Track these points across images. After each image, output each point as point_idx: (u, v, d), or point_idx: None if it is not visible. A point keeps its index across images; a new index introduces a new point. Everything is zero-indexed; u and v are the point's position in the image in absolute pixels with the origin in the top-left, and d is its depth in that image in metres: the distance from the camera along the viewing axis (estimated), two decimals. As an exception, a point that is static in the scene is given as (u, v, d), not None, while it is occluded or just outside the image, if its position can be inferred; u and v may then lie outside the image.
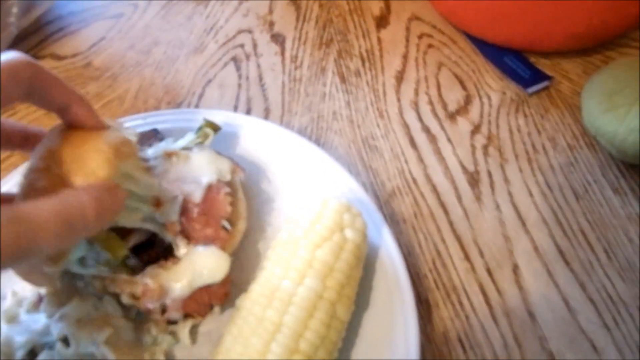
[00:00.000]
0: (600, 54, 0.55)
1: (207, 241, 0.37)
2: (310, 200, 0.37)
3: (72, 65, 0.57)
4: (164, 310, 0.36)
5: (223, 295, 0.37)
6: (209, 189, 0.37)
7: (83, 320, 0.35)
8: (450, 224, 0.44)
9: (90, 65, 0.57)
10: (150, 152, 0.39)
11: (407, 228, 0.44)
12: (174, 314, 0.36)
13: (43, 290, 0.38)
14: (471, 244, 0.43)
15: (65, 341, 0.35)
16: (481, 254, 0.42)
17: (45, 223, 0.25)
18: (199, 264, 0.36)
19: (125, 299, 0.36)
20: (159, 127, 0.46)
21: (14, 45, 0.57)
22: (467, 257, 0.42)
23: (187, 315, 0.37)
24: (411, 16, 0.60)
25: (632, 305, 0.39)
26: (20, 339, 0.36)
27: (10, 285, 0.39)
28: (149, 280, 0.36)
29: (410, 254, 0.42)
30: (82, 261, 0.35)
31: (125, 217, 0.35)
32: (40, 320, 0.37)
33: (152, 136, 0.43)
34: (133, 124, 0.46)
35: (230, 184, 0.39)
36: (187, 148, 0.40)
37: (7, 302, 0.39)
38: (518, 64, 0.54)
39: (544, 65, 0.55)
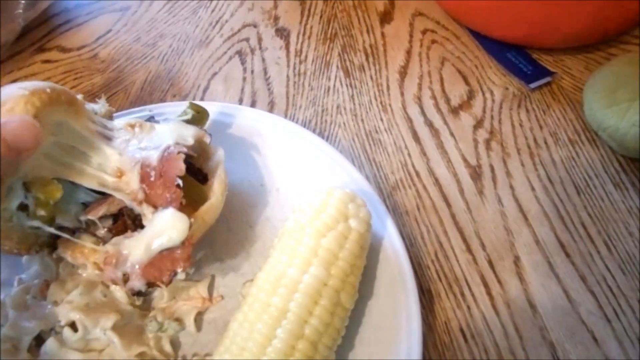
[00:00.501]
0: (602, 50, 0.56)
1: (166, 204, 0.35)
2: (316, 190, 0.38)
3: (78, 57, 0.58)
4: (126, 279, 0.35)
5: (185, 258, 0.35)
6: (165, 151, 0.36)
7: (91, 306, 0.35)
8: (453, 216, 0.44)
9: (96, 58, 0.58)
10: (116, 123, 0.39)
11: (410, 220, 0.44)
12: (136, 283, 0.35)
13: (49, 277, 0.39)
14: (473, 236, 0.43)
15: (73, 327, 0.35)
16: (483, 246, 0.43)
17: None
18: (157, 228, 0.35)
19: (90, 270, 0.36)
20: (165, 119, 0.47)
21: (21, 37, 0.57)
22: (469, 249, 0.43)
23: (149, 284, 0.35)
24: (415, 12, 0.61)
25: (633, 298, 0.40)
26: (27, 325, 0.37)
27: (16, 273, 0.40)
28: (109, 247, 0.35)
29: (412, 245, 0.43)
30: (25, 210, 0.34)
31: (84, 180, 0.35)
32: (47, 306, 0.37)
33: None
34: (140, 116, 0.47)
35: (205, 155, 0.39)
36: (152, 120, 0.40)
37: (14, 289, 0.39)
38: (520, 59, 0.54)
39: (546, 61, 0.55)
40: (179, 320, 0.38)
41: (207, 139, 0.39)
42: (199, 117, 0.42)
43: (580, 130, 0.49)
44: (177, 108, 0.48)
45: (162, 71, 0.56)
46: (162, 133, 0.38)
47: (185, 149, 0.37)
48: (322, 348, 0.32)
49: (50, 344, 0.35)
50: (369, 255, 0.38)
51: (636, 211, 0.44)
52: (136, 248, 0.35)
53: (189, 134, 0.38)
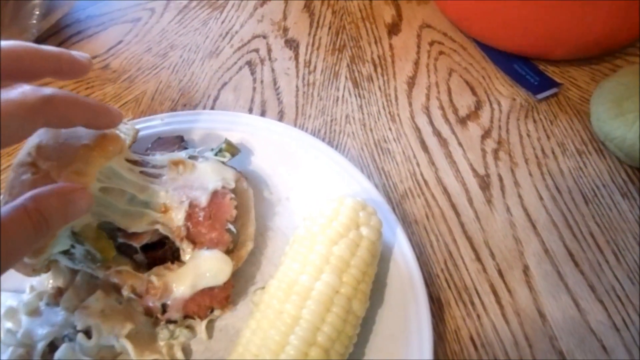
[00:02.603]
0: (608, 62, 0.56)
1: (212, 245, 0.38)
2: (327, 198, 0.38)
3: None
4: (164, 309, 0.37)
5: (224, 298, 0.38)
6: (215, 194, 0.39)
7: (106, 312, 0.35)
8: (462, 225, 0.45)
9: (108, 68, 0.58)
10: (159, 158, 0.40)
11: (419, 229, 0.45)
12: (174, 314, 0.37)
13: (62, 283, 0.39)
14: (482, 245, 0.44)
15: (87, 333, 0.36)
16: (492, 255, 0.43)
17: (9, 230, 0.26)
18: (202, 267, 0.37)
19: (126, 292, 0.37)
20: (176, 128, 0.48)
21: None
22: (478, 258, 0.43)
23: (186, 317, 0.38)
24: (422, 24, 0.62)
25: (641, 307, 0.40)
26: (41, 331, 0.37)
27: (28, 280, 0.40)
28: (153, 278, 0.37)
29: (422, 254, 0.43)
30: (69, 255, 0.36)
31: (133, 223, 0.36)
32: (59, 313, 0.38)
33: (177, 143, 0.44)
34: (151, 124, 0.48)
35: (242, 199, 0.41)
36: (192, 157, 0.41)
37: (27, 296, 0.39)
38: (527, 70, 0.55)
39: (552, 72, 0.56)
40: (190, 327, 0.38)
41: (244, 183, 0.42)
42: (233, 155, 0.44)
43: (587, 141, 0.50)
44: (190, 117, 0.49)
45: (173, 81, 0.57)
46: (205, 173, 0.40)
47: (232, 195, 0.39)
48: (334, 355, 0.32)
49: (63, 350, 0.36)
50: (380, 263, 0.38)
51: (644, 221, 0.44)
52: (181, 283, 0.37)
53: (230, 177, 0.40)
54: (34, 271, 0.36)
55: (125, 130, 0.39)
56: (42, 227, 0.28)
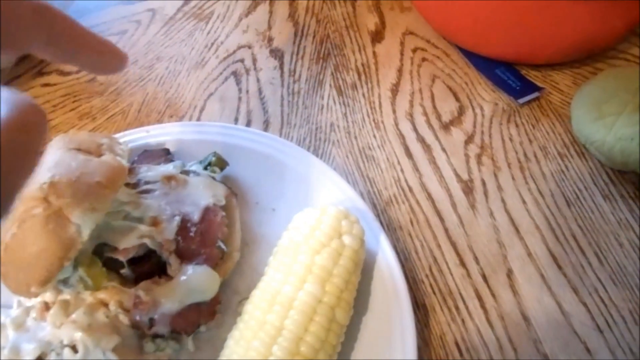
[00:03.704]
0: (589, 65, 0.57)
1: (200, 261, 0.38)
2: (310, 208, 0.38)
3: (77, 80, 0.59)
4: (151, 324, 0.37)
5: (211, 314, 0.38)
6: (206, 210, 0.40)
7: (93, 326, 0.36)
8: (446, 230, 0.45)
9: (94, 81, 0.59)
10: (150, 174, 0.41)
11: (404, 235, 0.45)
12: (161, 329, 0.37)
13: (49, 298, 0.40)
14: (466, 250, 0.44)
15: (74, 348, 0.36)
16: (476, 260, 0.43)
17: None
18: (191, 282, 0.37)
19: (114, 308, 0.37)
20: (163, 139, 0.48)
21: (20, 60, 0.59)
22: (462, 263, 0.43)
23: (173, 331, 0.38)
24: (405, 31, 0.62)
25: (624, 308, 0.40)
26: (28, 346, 0.37)
27: (15, 295, 0.40)
28: (141, 292, 0.37)
29: (407, 260, 0.44)
30: (65, 281, 0.37)
31: (123, 239, 0.37)
32: (46, 328, 0.38)
33: (163, 155, 0.45)
34: (137, 137, 0.48)
35: (228, 213, 0.42)
36: (184, 172, 0.42)
37: (15, 311, 0.39)
38: (509, 75, 0.56)
39: (534, 76, 0.56)
40: (176, 339, 0.39)
41: (234, 201, 0.43)
42: (222, 169, 0.45)
43: (569, 144, 0.50)
44: (176, 129, 0.49)
45: (159, 93, 0.57)
46: (197, 188, 0.41)
47: (224, 213, 0.40)
48: (318, 364, 0.33)
49: (50, 365, 0.36)
50: (364, 271, 0.39)
51: (625, 222, 0.45)
52: (169, 298, 0.37)
53: (221, 193, 0.41)
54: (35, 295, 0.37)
55: (121, 152, 0.39)
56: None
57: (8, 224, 0.33)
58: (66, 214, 0.32)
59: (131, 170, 0.41)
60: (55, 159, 0.34)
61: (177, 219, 0.38)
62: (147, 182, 0.40)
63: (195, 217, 0.39)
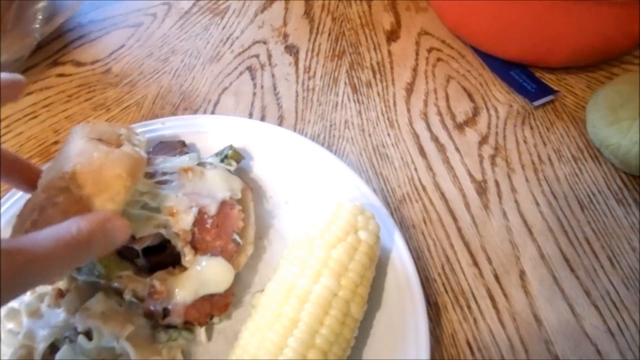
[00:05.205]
0: (604, 70, 0.57)
1: (216, 252, 0.38)
2: (325, 203, 0.39)
3: (92, 71, 0.59)
4: (165, 314, 0.38)
5: (224, 306, 0.38)
6: (223, 204, 0.40)
7: (107, 314, 0.36)
8: (459, 230, 0.45)
9: (109, 72, 0.59)
10: (167, 165, 0.41)
11: (417, 233, 0.45)
12: (175, 319, 0.37)
13: (63, 285, 0.40)
14: (479, 250, 0.44)
15: (88, 335, 0.36)
16: (489, 260, 0.43)
17: (45, 255, 0.26)
18: (205, 273, 0.38)
19: (128, 296, 0.37)
20: (177, 132, 0.48)
21: (36, 51, 0.59)
22: (475, 263, 0.43)
23: (186, 322, 0.38)
24: (421, 31, 0.62)
25: (635, 312, 0.40)
26: (42, 332, 0.37)
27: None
28: (156, 282, 0.37)
29: (419, 259, 0.44)
30: (79, 269, 0.38)
31: (139, 228, 0.37)
32: (60, 314, 0.38)
33: (178, 147, 0.45)
34: (152, 128, 0.48)
35: (243, 206, 0.42)
36: (201, 164, 0.42)
37: (28, 297, 0.40)
38: (524, 78, 0.56)
39: (549, 79, 0.56)
40: (189, 329, 0.39)
41: (250, 194, 0.43)
42: (238, 163, 0.45)
43: (583, 148, 0.51)
44: (191, 121, 0.49)
45: (174, 86, 0.58)
46: (213, 181, 0.41)
47: (240, 207, 0.40)
48: (332, 357, 0.33)
49: (64, 351, 0.36)
50: (377, 267, 0.39)
51: (638, 227, 0.45)
52: (183, 288, 0.37)
53: (237, 187, 0.42)
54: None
55: (138, 143, 0.39)
56: (83, 254, 0.28)
57: (29, 211, 0.33)
58: (87, 204, 0.32)
59: (148, 161, 0.41)
60: (77, 149, 0.34)
61: (195, 210, 0.38)
62: (164, 173, 0.41)
63: (212, 209, 0.39)
